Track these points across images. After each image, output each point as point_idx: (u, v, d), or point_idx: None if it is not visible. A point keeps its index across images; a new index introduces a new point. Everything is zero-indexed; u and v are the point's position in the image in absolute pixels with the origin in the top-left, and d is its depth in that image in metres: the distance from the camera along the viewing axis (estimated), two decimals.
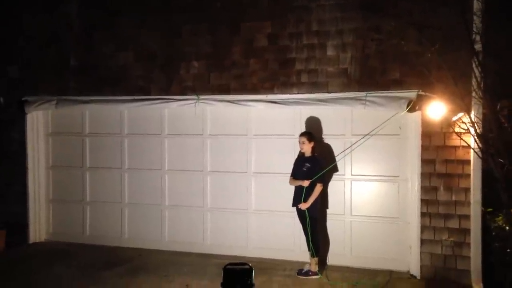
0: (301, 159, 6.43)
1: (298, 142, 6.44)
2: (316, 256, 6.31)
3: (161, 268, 6.75)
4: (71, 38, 7.83)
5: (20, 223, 8.03)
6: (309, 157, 6.33)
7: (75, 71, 7.82)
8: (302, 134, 6.40)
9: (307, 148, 6.31)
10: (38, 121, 8.21)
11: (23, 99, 7.97)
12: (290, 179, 6.41)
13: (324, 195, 6.61)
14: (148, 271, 6.61)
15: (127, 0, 7.54)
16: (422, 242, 6.24)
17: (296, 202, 6.29)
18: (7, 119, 8.14)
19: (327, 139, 6.80)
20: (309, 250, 6.30)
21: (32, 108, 7.94)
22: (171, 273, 6.51)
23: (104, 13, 7.64)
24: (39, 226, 8.23)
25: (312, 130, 6.60)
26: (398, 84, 6.26)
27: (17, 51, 8.10)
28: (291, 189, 6.92)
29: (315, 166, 6.22)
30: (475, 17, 5.45)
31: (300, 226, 6.43)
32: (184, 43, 7.23)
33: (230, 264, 3.63)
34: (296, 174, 6.36)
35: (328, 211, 6.83)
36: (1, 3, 8.16)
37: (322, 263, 6.55)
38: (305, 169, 6.25)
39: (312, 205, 6.19)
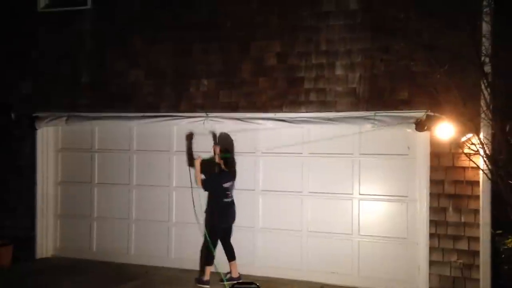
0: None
1: (304, 160, 6.85)
2: (207, 265, 6.66)
3: (168, 285, 6.72)
4: (83, 54, 7.95)
5: (27, 238, 8.06)
6: (220, 170, 6.81)
7: (86, 88, 7.91)
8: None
9: (219, 161, 6.76)
10: (48, 136, 8.29)
11: (34, 115, 8.06)
12: None
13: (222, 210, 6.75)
14: None
15: (139, 18, 7.65)
16: (431, 263, 6.19)
17: None
18: (18, 134, 8.23)
19: (334, 158, 6.80)
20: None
21: (42, 124, 8.03)
22: None
23: (116, 30, 7.76)
24: (47, 241, 8.25)
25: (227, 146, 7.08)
26: (407, 104, 6.27)
27: (30, 67, 8.21)
28: (299, 207, 6.95)
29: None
30: (484, 39, 5.48)
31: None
32: (194, 61, 7.31)
33: (238, 283, 3.62)
34: None
35: (336, 230, 6.80)
36: (16, 18, 8.30)
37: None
38: None
39: (209, 217, 6.79)
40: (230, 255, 6.79)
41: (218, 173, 6.79)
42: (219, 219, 6.75)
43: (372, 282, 6.56)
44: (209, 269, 6.64)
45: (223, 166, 6.74)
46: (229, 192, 6.71)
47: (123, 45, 7.70)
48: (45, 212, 8.26)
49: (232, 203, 6.77)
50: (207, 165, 6.81)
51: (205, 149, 7.37)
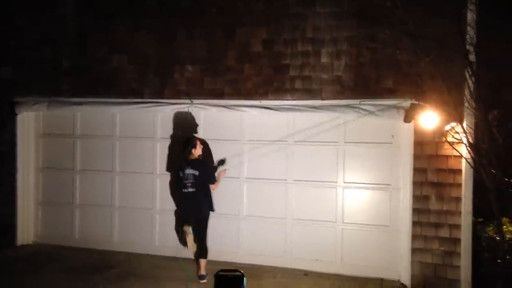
0: None
1: (289, 148, 6.75)
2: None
3: (151, 273, 6.70)
4: (65, 39, 7.77)
5: (8, 225, 7.94)
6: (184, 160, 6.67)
7: (68, 73, 7.76)
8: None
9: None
10: (29, 122, 8.14)
11: (14, 100, 7.91)
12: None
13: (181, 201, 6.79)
14: (137, 276, 6.56)
15: (121, 2, 7.49)
16: (413, 251, 6.25)
17: None
18: None
19: (319, 146, 6.80)
20: None
21: (23, 109, 7.89)
22: (160, 279, 6.47)
23: (98, 15, 7.60)
24: (28, 228, 8.14)
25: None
26: (392, 92, 6.28)
27: (10, 52, 8.02)
28: (283, 195, 6.97)
29: None
30: (469, 28, 5.50)
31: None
32: (179, 47, 7.21)
33: (222, 270, 3.60)
34: None
35: (320, 218, 6.84)
36: None
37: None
38: None
39: None
40: (197, 252, 6.56)
41: (179, 164, 6.62)
42: (180, 210, 6.87)
43: (355, 270, 6.62)
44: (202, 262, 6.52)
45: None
46: (187, 182, 6.40)
47: (106, 30, 7.55)
48: (26, 199, 8.15)
49: (191, 194, 6.42)
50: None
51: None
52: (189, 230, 6.39)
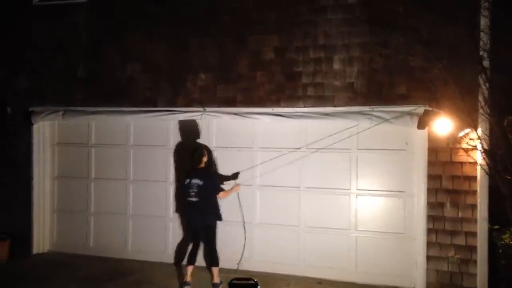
0: None
1: (302, 156, 6.75)
2: (188, 264, 6.56)
3: (164, 281, 6.71)
4: (79, 49, 7.88)
5: (24, 234, 8.02)
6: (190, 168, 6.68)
7: (82, 82, 7.86)
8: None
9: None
10: (45, 131, 8.24)
11: (30, 109, 8.01)
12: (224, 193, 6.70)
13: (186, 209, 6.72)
14: (151, 284, 6.57)
15: (134, 12, 7.59)
16: (428, 258, 6.20)
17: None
18: (13, 129, 8.18)
19: (332, 153, 6.77)
20: None
21: (39, 119, 7.98)
22: (174, 287, 6.47)
23: (112, 24, 7.69)
24: (43, 237, 8.21)
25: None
26: (405, 99, 6.25)
27: (25, 61, 8.15)
28: (296, 203, 6.95)
29: None
30: (482, 34, 5.46)
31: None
32: (191, 56, 7.26)
33: (235, 279, 3.61)
34: None
35: (333, 225, 6.80)
36: (9, 12, 8.22)
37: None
38: None
39: None
40: (208, 260, 6.67)
41: (186, 171, 6.64)
42: (186, 219, 6.84)
43: (370, 277, 6.57)
44: (189, 269, 6.46)
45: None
46: (192, 191, 6.36)
47: (119, 39, 7.64)
48: (42, 207, 8.21)
49: (196, 204, 6.37)
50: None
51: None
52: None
